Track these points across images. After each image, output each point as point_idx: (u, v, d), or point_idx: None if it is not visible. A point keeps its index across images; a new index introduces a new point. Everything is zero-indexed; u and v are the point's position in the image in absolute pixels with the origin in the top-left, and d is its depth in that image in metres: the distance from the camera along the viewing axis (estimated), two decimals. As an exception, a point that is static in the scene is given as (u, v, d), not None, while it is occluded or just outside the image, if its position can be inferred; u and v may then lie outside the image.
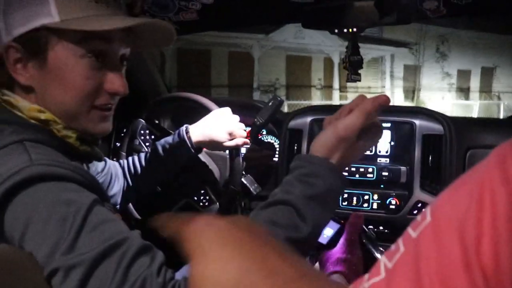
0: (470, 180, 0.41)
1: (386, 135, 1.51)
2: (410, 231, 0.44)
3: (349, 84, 14.52)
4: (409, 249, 0.43)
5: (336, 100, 14.15)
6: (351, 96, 14.55)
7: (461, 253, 0.38)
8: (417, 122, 1.46)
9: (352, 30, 1.40)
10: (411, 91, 15.87)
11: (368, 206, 1.48)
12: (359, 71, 1.48)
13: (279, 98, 1.47)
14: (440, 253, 0.39)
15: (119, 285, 0.63)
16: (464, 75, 16.56)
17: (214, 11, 1.62)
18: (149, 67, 1.82)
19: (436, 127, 1.45)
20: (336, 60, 13.40)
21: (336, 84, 14.20)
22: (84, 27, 0.81)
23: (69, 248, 0.65)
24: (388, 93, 15.14)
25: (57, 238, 0.66)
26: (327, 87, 14.28)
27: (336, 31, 1.42)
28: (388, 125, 1.51)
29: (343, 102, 13.76)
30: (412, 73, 15.87)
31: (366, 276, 0.45)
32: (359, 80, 1.45)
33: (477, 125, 1.57)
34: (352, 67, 1.44)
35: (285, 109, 13.05)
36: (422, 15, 1.51)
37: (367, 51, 14.63)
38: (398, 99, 15.39)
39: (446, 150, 1.42)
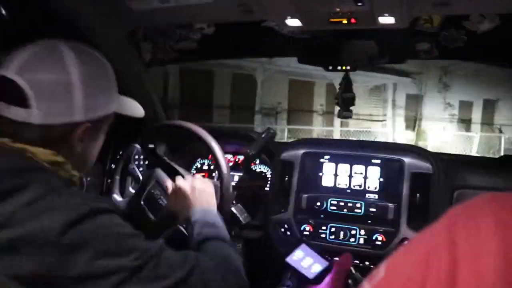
0: (422, 241, 0.44)
1: (376, 172, 1.53)
2: (366, 283, 0.46)
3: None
4: None
5: (337, 127, 14.19)
6: (352, 123, 14.59)
7: None
8: (406, 160, 1.49)
9: (346, 68, 1.44)
10: (413, 120, 15.91)
11: (354, 241, 1.50)
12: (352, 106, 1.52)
13: (272, 130, 1.50)
14: None
15: None
16: (466, 106, 16.62)
17: (213, 42, 1.67)
18: (150, 93, 1.85)
19: (425, 166, 1.47)
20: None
21: (337, 111, 14.24)
22: (127, 112, 1.06)
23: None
24: (389, 122, 15.20)
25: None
26: (329, 113, 14.33)
27: (330, 68, 1.46)
28: (378, 161, 1.53)
29: (344, 128, 13.81)
30: (414, 102, 15.94)
31: None
32: (350, 117, 1.49)
33: (466, 165, 1.59)
34: (344, 104, 1.47)
35: (285, 133, 13.08)
36: (415, 55, 1.55)
37: (370, 79, 14.72)
38: (399, 128, 15.43)
39: (434, 189, 1.44)
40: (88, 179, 1.76)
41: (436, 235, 0.43)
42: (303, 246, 1.01)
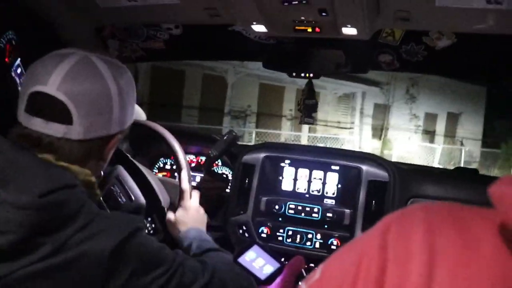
0: (358, 244, 0.46)
1: (334, 178, 1.57)
2: (303, 284, 0.48)
3: (319, 117, 14.72)
4: None
5: (305, 132, 14.30)
6: (320, 129, 14.73)
7: None
8: (364, 167, 1.53)
9: (309, 75, 1.47)
10: (379, 129, 16.17)
11: (311, 245, 1.53)
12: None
13: (234, 133, 1.52)
14: None
15: None
16: (431, 118, 17.01)
17: (180, 43, 1.68)
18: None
19: (381, 174, 1.52)
20: (309, 93, 13.50)
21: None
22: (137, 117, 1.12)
23: None
24: (356, 130, 15.41)
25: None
26: (298, 118, 14.36)
27: (294, 74, 1.49)
28: (337, 168, 1.57)
29: (312, 134, 13.93)
30: (381, 111, 16.20)
31: None
32: (312, 123, 1.52)
33: (422, 175, 1.64)
34: (306, 110, 1.51)
35: (253, 136, 13.11)
36: (377, 66, 1.60)
37: (340, 87, 14.90)
38: (366, 135, 15.66)
39: (389, 197, 1.49)
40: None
41: (370, 239, 0.45)
42: (255, 247, 1.03)
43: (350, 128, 15.51)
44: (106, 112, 0.90)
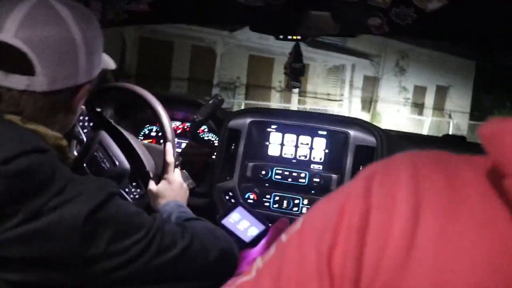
0: (339, 193, 0.44)
1: (321, 143, 1.55)
2: (283, 236, 0.46)
3: (308, 89, 14.70)
4: (278, 251, 0.45)
5: (294, 104, 14.29)
6: (309, 101, 14.72)
7: (316, 260, 0.41)
8: (351, 132, 1.51)
9: (296, 38, 1.44)
10: (369, 102, 16.21)
11: (297, 210, 1.52)
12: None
13: (219, 97, 1.49)
14: (299, 258, 0.42)
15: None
16: (420, 91, 17.07)
17: (165, 6, 1.63)
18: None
19: (369, 139, 1.50)
20: (298, 65, 13.42)
21: (295, 89, 14.33)
22: (105, 66, 1.02)
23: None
24: (346, 102, 15.43)
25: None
26: (287, 90, 14.37)
27: (281, 37, 1.45)
28: (324, 133, 1.55)
29: (301, 106, 13.93)
30: (371, 84, 16.21)
31: (242, 275, 0.48)
32: (299, 87, 1.49)
33: (409, 141, 1.63)
34: (293, 74, 1.48)
35: (242, 107, 13.07)
36: (366, 30, 1.56)
37: (330, 59, 14.84)
38: (355, 108, 15.70)
39: (377, 161, 1.47)
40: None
41: (353, 186, 0.43)
42: (240, 208, 1.01)
43: (340, 100, 15.52)
44: (72, 60, 0.84)
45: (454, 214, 0.37)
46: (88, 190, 0.81)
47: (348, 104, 15.56)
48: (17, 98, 0.81)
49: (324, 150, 1.56)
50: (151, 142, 1.89)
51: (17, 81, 0.80)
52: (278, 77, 14.21)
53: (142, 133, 1.95)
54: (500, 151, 0.36)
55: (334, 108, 14.80)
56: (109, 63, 1.08)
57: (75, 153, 1.64)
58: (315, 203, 0.48)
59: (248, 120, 1.59)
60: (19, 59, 0.79)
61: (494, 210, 0.37)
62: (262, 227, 1.05)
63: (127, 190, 1.49)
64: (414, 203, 0.38)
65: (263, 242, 1.02)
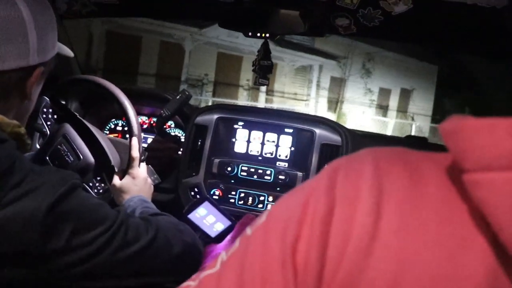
0: (305, 187, 0.45)
1: (288, 141, 1.57)
2: (248, 229, 0.47)
3: (276, 88, 14.75)
4: (242, 245, 0.46)
5: (261, 103, 14.31)
6: (276, 100, 14.78)
7: (280, 251, 0.41)
8: (317, 131, 1.53)
9: (265, 35, 1.45)
10: (335, 102, 16.39)
11: (262, 207, 1.53)
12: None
13: (187, 93, 1.48)
14: (263, 250, 0.43)
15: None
16: (384, 93, 17.37)
17: (134, -1, 1.61)
18: (63, 42, 1.76)
19: (334, 138, 1.53)
20: (267, 64, 13.42)
21: (263, 87, 14.37)
22: (61, 51, 1.00)
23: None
24: (312, 102, 15.56)
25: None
26: (255, 89, 14.41)
27: (250, 34, 1.46)
28: (290, 130, 1.57)
29: (268, 105, 13.97)
30: (337, 85, 16.40)
31: (206, 268, 0.48)
32: (267, 84, 1.50)
33: (373, 140, 1.67)
34: (261, 71, 1.49)
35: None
36: (334, 30, 1.59)
37: (297, 58, 14.93)
38: (321, 108, 15.85)
39: (341, 160, 1.50)
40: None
41: (318, 181, 0.44)
42: (206, 203, 1.01)
43: (306, 100, 15.64)
44: (20, 39, 0.82)
45: (415, 207, 0.39)
46: (49, 182, 0.79)
47: (314, 104, 15.70)
48: None
49: (290, 147, 1.57)
50: (116, 136, 1.86)
51: None
52: (246, 76, 14.22)
53: (107, 127, 1.92)
54: (460, 146, 0.37)
55: (300, 108, 14.91)
56: (67, 50, 1.06)
57: (38, 146, 1.61)
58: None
59: (215, 116, 1.59)
60: None
61: (453, 204, 0.38)
62: (228, 222, 1.05)
63: (91, 184, 1.47)
64: (377, 196, 0.40)
65: (228, 237, 1.03)
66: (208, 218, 1.01)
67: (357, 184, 0.41)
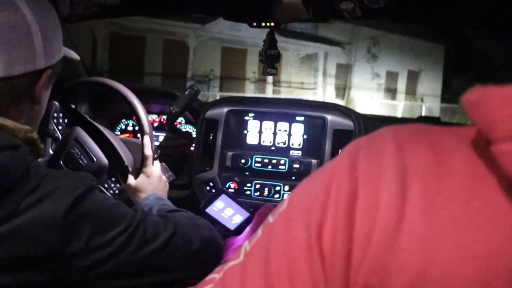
0: (325, 170, 0.44)
1: (300, 129, 1.56)
2: (269, 217, 0.46)
3: (282, 78, 14.71)
4: (264, 233, 0.45)
5: (269, 94, 14.28)
6: (284, 91, 14.75)
7: (305, 238, 0.40)
8: (329, 117, 1.52)
9: (270, 24, 1.43)
10: (342, 89, 16.32)
11: (279, 197, 1.53)
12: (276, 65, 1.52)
13: (195, 88, 1.48)
14: (287, 237, 0.42)
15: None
16: (392, 76, 17.27)
17: (136, -3, 1.60)
18: (68, 45, 1.75)
19: (346, 123, 1.51)
20: (272, 55, 13.36)
21: (270, 78, 14.32)
22: (68, 54, 1.00)
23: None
24: (320, 90, 15.51)
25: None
26: (261, 81, 14.40)
27: (254, 24, 1.44)
28: (302, 118, 1.55)
29: (276, 96, 13.94)
30: (344, 71, 16.32)
31: (230, 260, 0.47)
32: (275, 74, 1.49)
33: (386, 123, 1.65)
34: (269, 61, 1.47)
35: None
36: (339, 15, 1.57)
37: (302, 48, 14.88)
38: (329, 95, 15.79)
39: (355, 145, 1.49)
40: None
41: (339, 163, 0.43)
42: (223, 196, 1.00)
43: (314, 88, 15.58)
44: (27, 43, 0.82)
45: (441, 185, 0.37)
46: (65, 185, 0.79)
47: (322, 92, 15.65)
48: None
49: (303, 136, 1.56)
50: (128, 136, 1.87)
51: None
52: (252, 68, 14.20)
53: (118, 128, 1.93)
54: (486, 117, 0.36)
55: (308, 97, 14.86)
56: (72, 53, 1.06)
57: (51, 151, 1.61)
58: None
59: (225, 109, 1.58)
60: None
61: (481, 178, 0.37)
62: (246, 214, 1.04)
63: (106, 185, 1.47)
64: (401, 176, 0.38)
65: (248, 229, 1.02)
66: (226, 211, 1.01)
67: (380, 163, 0.40)
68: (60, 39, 0.94)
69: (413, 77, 17.54)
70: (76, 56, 1.09)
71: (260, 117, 1.58)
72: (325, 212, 0.40)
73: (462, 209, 0.36)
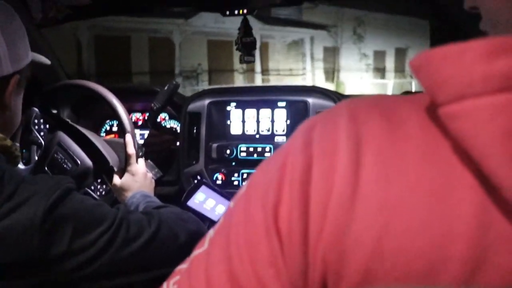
0: (280, 149, 0.44)
1: (282, 114, 1.55)
2: (231, 203, 0.46)
3: (271, 66, 14.67)
4: (226, 218, 0.45)
5: (258, 83, 14.24)
6: (273, 79, 14.71)
7: (262, 219, 0.40)
8: (310, 100, 1.51)
9: (243, 11, 1.42)
10: (331, 72, 16.29)
11: (267, 185, 1.52)
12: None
13: (174, 82, 1.47)
14: (246, 220, 0.41)
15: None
16: (379, 55, 17.25)
17: (106, -4, 1.58)
18: (44, 50, 1.74)
19: (328, 104, 1.51)
20: (258, 44, 13.33)
21: (258, 68, 14.30)
22: (38, 59, 1.00)
23: None
24: (309, 75, 15.49)
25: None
26: (250, 71, 14.35)
27: (227, 13, 1.43)
28: (284, 104, 1.55)
29: (266, 84, 13.91)
30: (331, 54, 16.28)
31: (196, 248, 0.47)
32: (253, 61, 1.48)
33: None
34: (245, 49, 1.46)
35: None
36: (311, -4, 1.56)
37: (287, 34, 14.83)
38: (319, 80, 15.76)
39: (339, 126, 1.48)
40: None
41: (292, 141, 0.42)
42: (203, 188, 0.99)
43: (303, 74, 15.56)
44: None
45: (396, 152, 0.37)
46: (42, 189, 0.78)
47: (311, 77, 15.62)
48: None
49: (286, 121, 1.56)
50: (113, 137, 1.85)
51: None
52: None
53: (103, 129, 1.92)
54: (430, 80, 0.35)
55: (298, 83, 14.83)
56: (42, 58, 1.05)
57: (36, 158, 1.60)
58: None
59: (207, 101, 1.58)
60: None
61: (435, 143, 0.36)
62: (228, 203, 1.03)
63: (92, 187, 1.46)
64: (354, 146, 0.38)
65: None
66: (208, 203, 1.00)
67: (334, 136, 0.39)
68: (27, 44, 0.93)
69: (401, 55, 17.52)
70: (47, 61, 1.08)
71: (242, 106, 1.57)
72: (281, 191, 0.39)
73: (417, 175, 0.36)
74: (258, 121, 1.57)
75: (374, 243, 0.35)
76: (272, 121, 1.56)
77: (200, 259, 0.44)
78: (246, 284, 0.40)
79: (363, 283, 0.36)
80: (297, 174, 0.39)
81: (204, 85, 13.65)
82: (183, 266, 0.47)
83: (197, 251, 0.45)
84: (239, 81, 14.42)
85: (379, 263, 0.35)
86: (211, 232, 0.46)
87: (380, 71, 17.26)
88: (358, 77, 16.31)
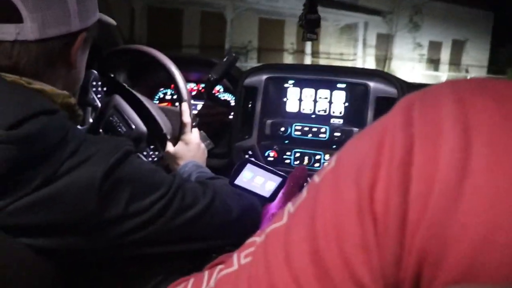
0: (377, 126, 0.40)
1: (341, 96, 1.51)
2: (315, 177, 0.43)
3: (321, 49, 14.47)
4: (310, 194, 0.42)
5: (307, 66, 14.13)
6: (322, 62, 14.51)
7: (355, 198, 0.37)
8: (371, 84, 1.46)
9: (310, -14, 1.38)
10: (383, 60, 15.93)
11: (319, 166, 1.49)
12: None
13: (233, 54, 1.44)
14: (336, 198, 0.39)
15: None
16: (435, 46, 16.70)
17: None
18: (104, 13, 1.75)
19: (390, 90, 1.45)
20: (311, 25, 13.16)
21: (308, 49, 14.11)
22: (104, 19, 0.99)
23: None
24: (359, 61, 15.20)
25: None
26: (299, 52, 14.21)
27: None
28: (343, 86, 1.50)
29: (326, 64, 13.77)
30: (384, 42, 15.90)
31: (272, 222, 0.44)
32: (315, 39, 1.43)
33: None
34: (309, 26, 1.42)
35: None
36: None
37: (341, 17, 14.55)
38: (369, 67, 15.44)
39: (398, 113, 1.43)
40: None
41: (391, 118, 0.39)
42: (249, 166, 0.95)
43: (353, 59, 15.28)
44: (60, 4, 0.80)
45: (509, 141, 0.33)
46: (103, 149, 0.78)
47: (362, 63, 15.33)
48: (8, 49, 0.77)
49: (344, 103, 1.51)
50: (166, 105, 1.86)
51: (6, 31, 0.76)
52: (290, 39, 14.02)
53: (156, 96, 1.92)
54: None
55: (348, 68, 14.61)
56: (109, 19, 1.04)
57: (91, 120, 1.62)
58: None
59: (264, 76, 1.55)
60: (3, 7, 0.75)
61: None
62: (278, 179, 0.99)
63: (145, 153, 1.47)
64: (463, 131, 0.34)
65: (280, 194, 0.98)
66: (256, 180, 0.97)
67: (438, 119, 0.36)
68: (95, 2, 0.92)
69: (458, 47, 16.91)
70: (113, 22, 1.07)
71: (300, 84, 1.53)
72: (378, 171, 0.36)
73: None
74: (315, 101, 1.53)
75: (482, 236, 0.32)
76: (330, 102, 1.52)
77: (278, 234, 0.41)
78: (332, 267, 0.37)
79: (463, 278, 0.33)
80: (397, 154, 0.36)
81: (253, 63, 13.62)
82: (256, 239, 0.45)
83: (274, 225, 0.43)
84: (288, 61, 14.30)
85: (487, 256, 0.32)
86: (289, 207, 0.43)
87: (434, 62, 16.73)
88: (410, 67, 15.88)
